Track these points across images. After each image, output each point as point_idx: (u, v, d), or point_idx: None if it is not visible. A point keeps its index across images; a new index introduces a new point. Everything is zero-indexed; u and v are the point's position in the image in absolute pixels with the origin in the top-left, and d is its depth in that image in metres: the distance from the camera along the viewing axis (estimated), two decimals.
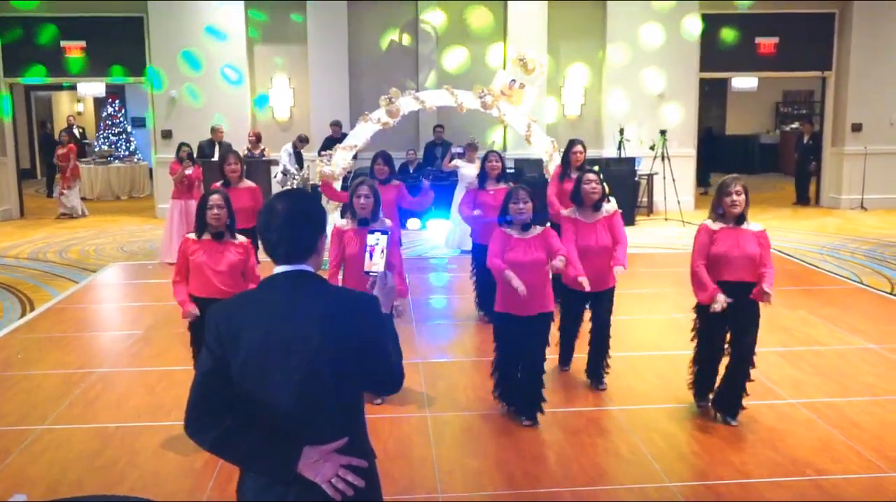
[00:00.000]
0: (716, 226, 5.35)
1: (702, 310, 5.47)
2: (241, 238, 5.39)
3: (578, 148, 7.98)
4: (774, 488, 4.62)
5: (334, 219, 6.02)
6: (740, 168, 22.13)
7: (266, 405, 2.35)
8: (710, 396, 5.65)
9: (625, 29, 15.12)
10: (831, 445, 5.15)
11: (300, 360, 2.34)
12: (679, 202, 14.15)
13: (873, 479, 4.71)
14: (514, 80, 10.59)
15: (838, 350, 7.08)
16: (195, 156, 12.21)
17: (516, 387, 5.53)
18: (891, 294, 9.10)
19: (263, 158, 13.08)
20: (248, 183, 8.35)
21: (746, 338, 5.36)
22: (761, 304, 5.29)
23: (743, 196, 5.28)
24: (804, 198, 16.46)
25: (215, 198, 5.26)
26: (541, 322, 5.39)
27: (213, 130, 13.34)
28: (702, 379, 5.66)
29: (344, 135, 13.31)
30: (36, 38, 14.91)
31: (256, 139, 13.31)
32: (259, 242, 2.54)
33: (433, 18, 15.32)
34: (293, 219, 2.45)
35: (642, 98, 15.22)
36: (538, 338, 5.41)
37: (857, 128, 15.59)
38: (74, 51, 15.13)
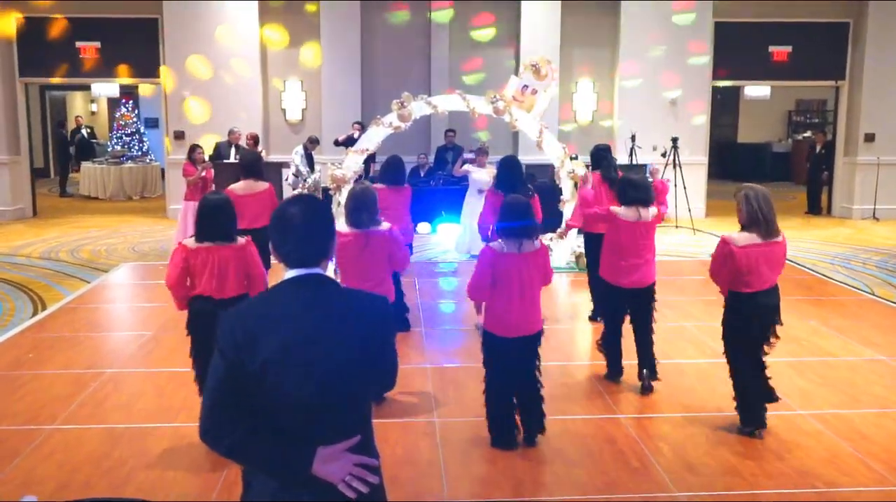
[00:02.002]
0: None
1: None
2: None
3: None
4: (782, 499, 4.61)
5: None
6: (752, 176, 22.13)
7: (283, 407, 2.37)
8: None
9: (638, 36, 15.13)
10: (840, 457, 5.13)
11: (319, 361, 2.37)
12: (690, 210, 14.11)
13: (882, 492, 4.69)
14: (526, 86, 10.62)
15: (849, 361, 7.05)
16: (212, 157, 12.30)
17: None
18: None
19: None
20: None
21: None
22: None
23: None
24: (816, 207, 16.40)
25: None
26: (531, 342, 5.26)
27: (231, 133, 13.41)
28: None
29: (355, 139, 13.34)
30: (51, 39, 15.01)
31: (254, 142, 13.34)
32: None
33: (447, 23, 15.35)
34: (309, 224, 2.48)
35: (654, 105, 15.21)
36: (530, 358, 5.30)
37: (869, 138, 15.53)
38: (89, 51, 15.21)
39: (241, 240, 5.27)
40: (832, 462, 5.07)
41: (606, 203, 7.18)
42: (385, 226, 5.74)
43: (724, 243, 5.31)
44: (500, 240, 5.13)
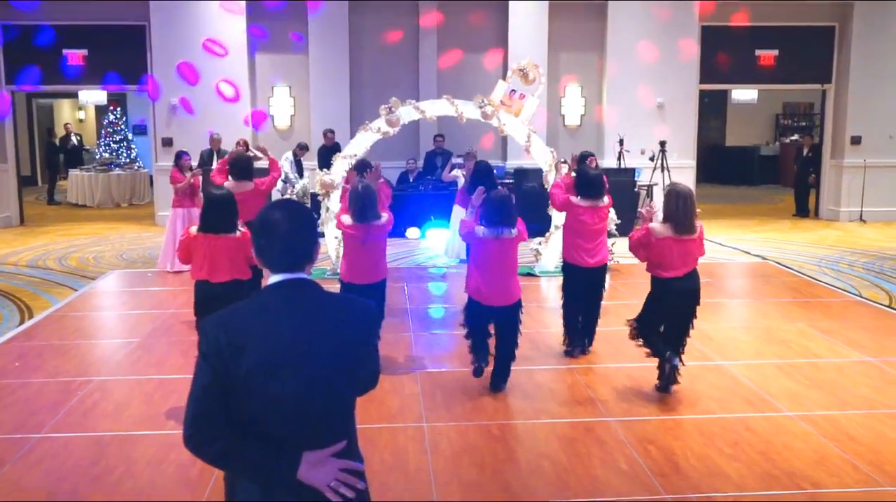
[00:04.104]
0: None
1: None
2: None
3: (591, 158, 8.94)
4: (770, 501, 4.62)
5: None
6: (740, 179, 22.24)
7: (269, 412, 2.36)
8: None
9: (625, 40, 15.18)
10: (828, 459, 5.15)
11: (304, 366, 2.37)
12: None
13: (870, 493, 4.71)
14: (514, 91, 10.64)
15: (836, 363, 7.08)
16: (198, 164, 12.32)
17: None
18: (889, 307, 9.10)
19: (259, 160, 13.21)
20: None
21: None
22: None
23: None
24: (803, 210, 16.49)
25: None
26: (508, 311, 6.18)
27: (211, 139, 13.46)
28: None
29: (336, 144, 13.40)
30: (37, 46, 14.95)
31: (245, 147, 13.38)
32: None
33: (435, 28, 15.36)
34: (293, 229, 2.47)
35: (642, 109, 15.26)
36: (510, 325, 6.25)
37: (856, 140, 15.62)
38: (76, 59, 15.17)
39: (240, 231, 5.89)
40: (820, 463, 5.09)
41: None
42: (384, 216, 6.54)
43: (646, 231, 5.94)
44: (482, 227, 6.02)
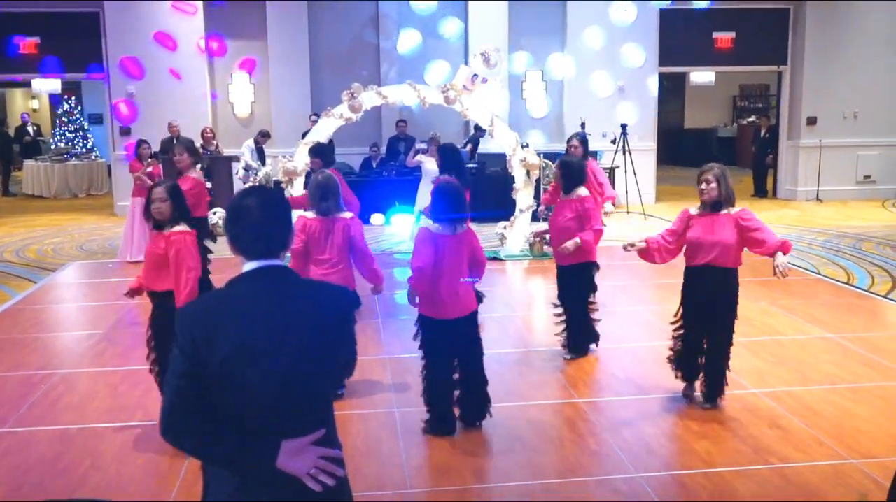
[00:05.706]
0: (695, 211, 5.66)
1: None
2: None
3: (574, 142, 8.20)
4: (738, 477, 4.69)
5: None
6: (699, 161, 22.45)
7: (246, 402, 2.33)
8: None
9: (585, 24, 15.20)
10: (793, 434, 5.24)
11: (285, 355, 2.34)
12: (640, 195, 14.28)
13: (834, 466, 4.80)
14: (476, 75, 10.63)
15: (798, 340, 7.21)
16: (157, 153, 12.17)
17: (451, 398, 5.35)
18: (848, 284, 9.28)
19: (222, 155, 13.11)
20: (193, 174, 8.10)
21: (719, 322, 5.64)
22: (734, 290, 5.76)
23: (714, 184, 5.48)
24: (762, 190, 16.72)
25: (158, 192, 4.97)
26: (468, 323, 5.30)
27: (170, 126, 13.30)
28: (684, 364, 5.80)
29: None
30: None
31: (212, 135, 13.28)
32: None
33: (394, 13, 15.27)
34: (270, 216, 2.45)
35: (603, 93, 15.32)
36: (470, 340, 5.34)
37: (811, 121, 15.87)
38: (28, 46, 14.83)
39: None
40: (785, 438, 5.18)
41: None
42: (347, 214, 5.81)
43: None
44: (435, 223, 5.21)
